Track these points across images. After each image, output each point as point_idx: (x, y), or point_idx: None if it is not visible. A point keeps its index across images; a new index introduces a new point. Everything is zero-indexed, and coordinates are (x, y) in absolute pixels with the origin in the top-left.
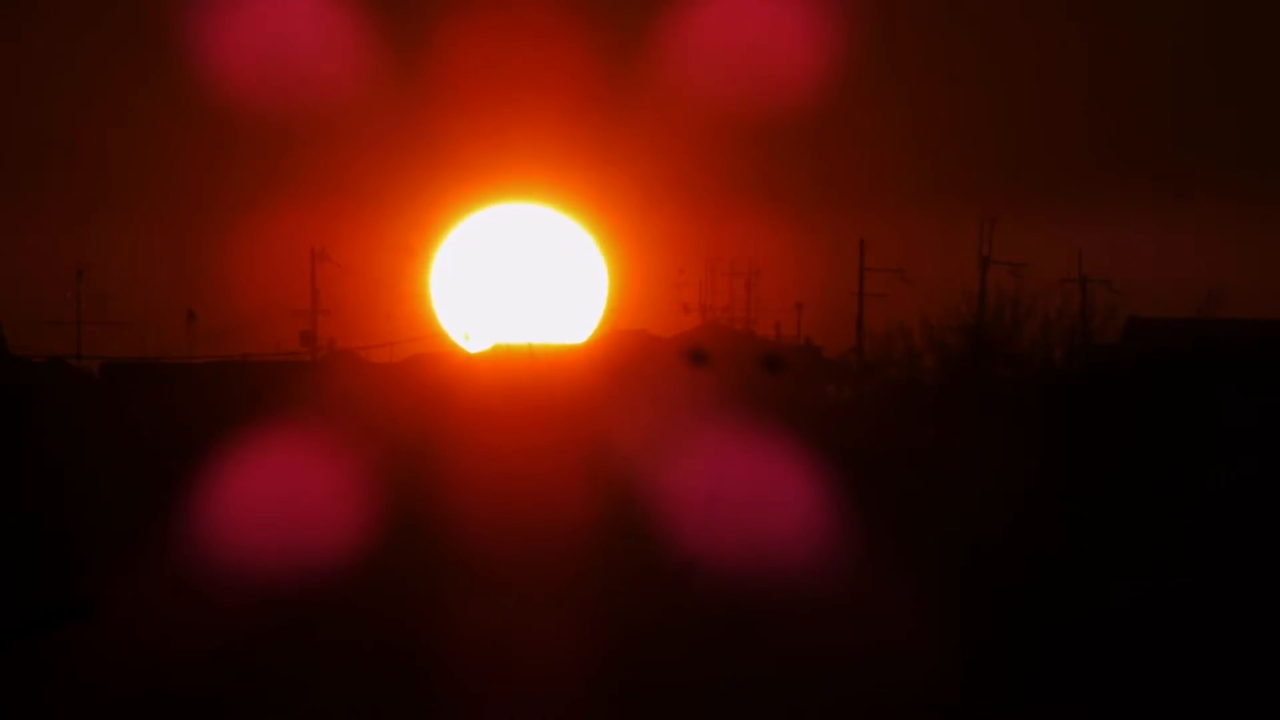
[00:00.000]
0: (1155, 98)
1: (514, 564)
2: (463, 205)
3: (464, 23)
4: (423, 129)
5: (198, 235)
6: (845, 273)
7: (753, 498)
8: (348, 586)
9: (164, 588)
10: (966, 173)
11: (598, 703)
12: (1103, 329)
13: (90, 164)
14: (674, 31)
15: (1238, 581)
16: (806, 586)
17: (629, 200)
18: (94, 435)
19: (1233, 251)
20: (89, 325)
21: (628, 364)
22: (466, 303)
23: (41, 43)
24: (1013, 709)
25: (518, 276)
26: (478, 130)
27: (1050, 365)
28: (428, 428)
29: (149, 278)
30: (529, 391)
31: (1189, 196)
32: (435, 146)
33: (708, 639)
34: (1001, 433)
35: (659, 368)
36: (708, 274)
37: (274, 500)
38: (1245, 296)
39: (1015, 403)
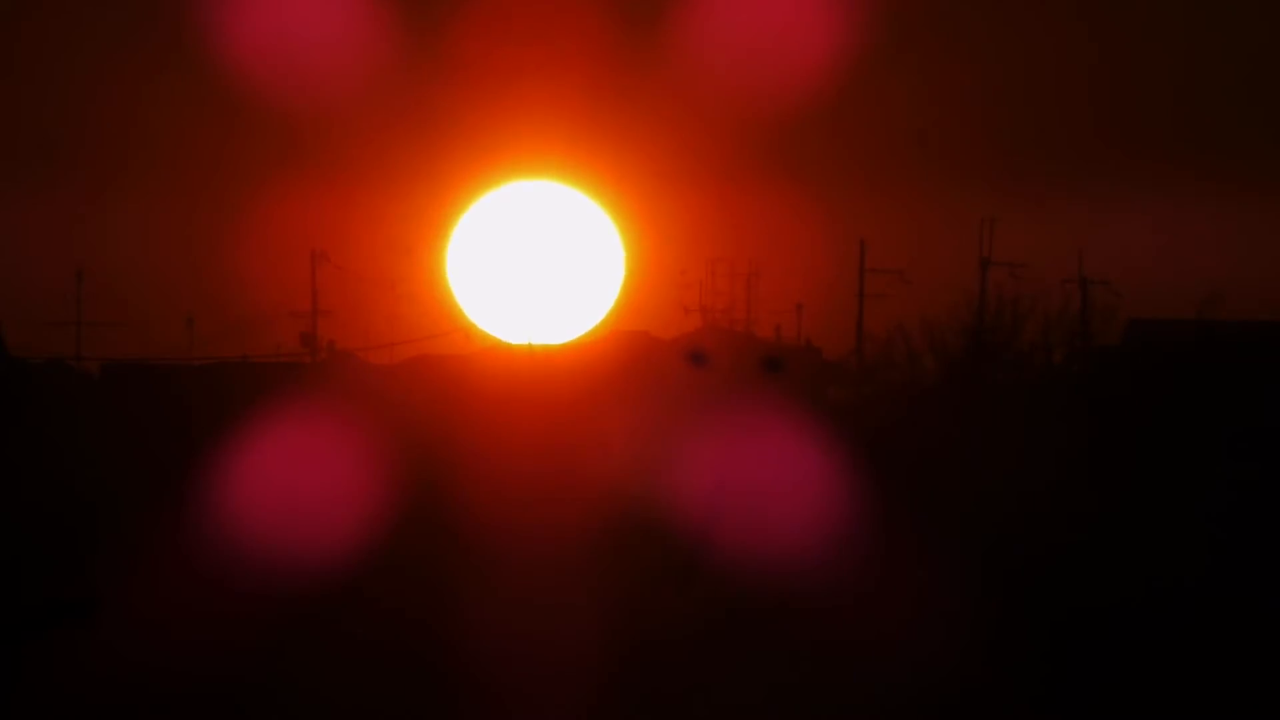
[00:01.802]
0: (1155, 97)
1: (522, 563)
2: (472, 187)
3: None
4: (430, 111)
5: (198, 235)
6: (845, 274)
7: (762, 492)
8: (351, 585)
9: (164, 587)
10: (967, 173)
11: (613, 699)
12: (1103, 330)
13: (90, 164)
14: (679, 26)
15: (1245, 583)
16: (816, 580)
17: (629, 186)
18: (94, 436)
19: (1233, 251)
20: (89, 326)
21: (629, 365)
22: (481, 287)
23: (42, 42)
24: (1020, 706)
25: (532, 258)
26: (486, 111)
27: (1050, 366)
28: (430, 428)
29: (149, 278)
30: (530, 392)
31: (1190, 196)
32: (443, 128)
33: (718, 633)
34: (1008, 433)
35: (660, 369)
36: (708, 275)
37: (275, 500)
38: (1246, 297)
39: (1018, 403)
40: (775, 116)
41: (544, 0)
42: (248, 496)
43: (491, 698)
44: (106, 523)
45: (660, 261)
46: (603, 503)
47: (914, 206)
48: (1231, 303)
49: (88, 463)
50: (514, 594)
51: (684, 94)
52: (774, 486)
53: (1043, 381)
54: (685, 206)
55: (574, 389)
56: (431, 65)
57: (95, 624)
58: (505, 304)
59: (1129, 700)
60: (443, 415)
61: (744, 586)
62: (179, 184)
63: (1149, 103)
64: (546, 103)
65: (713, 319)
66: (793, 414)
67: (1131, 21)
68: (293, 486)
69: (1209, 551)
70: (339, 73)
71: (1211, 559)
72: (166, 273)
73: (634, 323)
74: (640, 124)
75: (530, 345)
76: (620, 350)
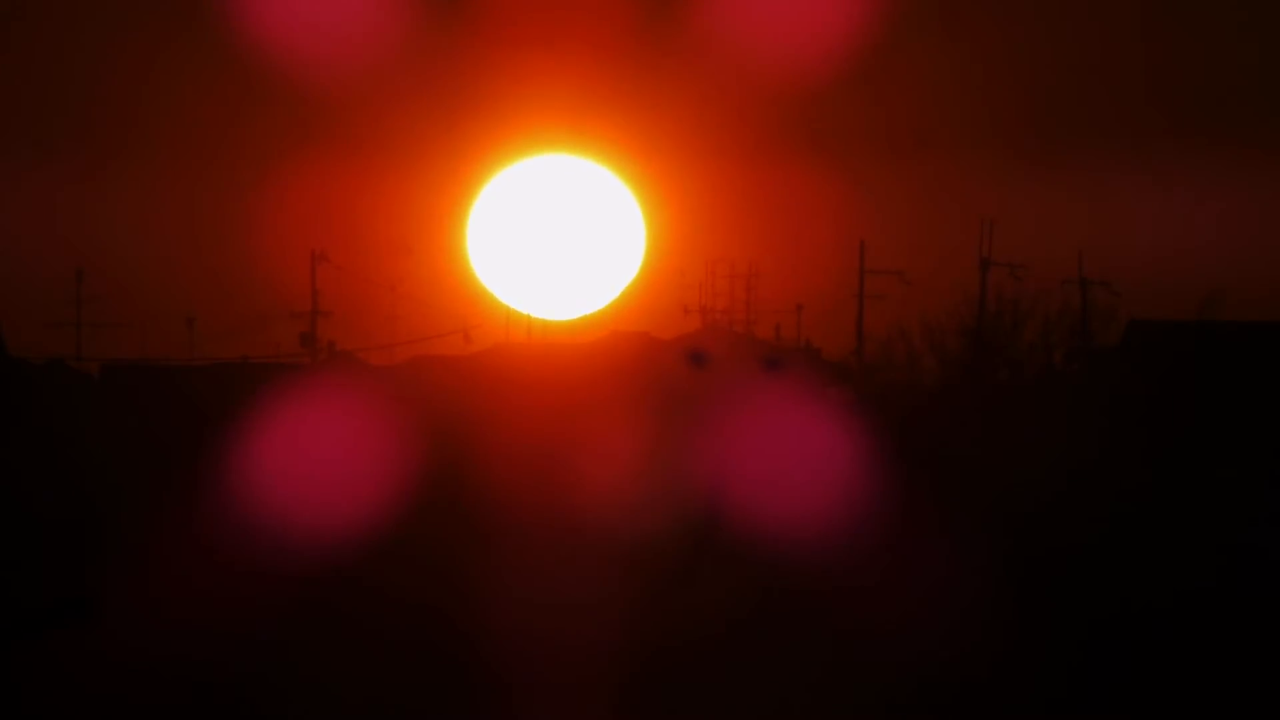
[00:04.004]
0: (1155, 97)
1: (523, 560)
2: (474, 176)
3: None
4: (428, 105)
5: (199, 234)
6: (845, 275)
7: (771, 485)
8: (352, 580)
9: (164, 587)
10: (967, 173)
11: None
12: (1103, 331)
13: (89, 163)
14: (678, 24)
15: (1247, 583)
16: (822, 570)
17: (629, 184)
18: (93, 436)
19: (1233, 251)
20: (89, 327)
21: (629, 365)
22: (498, 261)
23: (42, 38)
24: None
25: (548, 233)
26: (485, 100)
27: (1050, 367)
28: (429, 429)
29: (149, 278)
30: (530, 393)
31: (1190, 196)
32: (441, 123)
33: (721, 626)
34: (1013, 433)
35: (661, 369)
36: (708, 276)
37: (274, 500)
38: (1246, 297)
39: (1020, 404)
40: (773, 117)
41: None
42: (247, 497)
43: (493, 684)
44: (107, 523)
45: (660, 262)
46: (603, 503)
47: (914, 206)
48: (1231, 303)
49: (88, 463)
50: (514, 588)
51: (680, 95)
52: (784, 479)
53: (1043, 382)
54: (685, 208)
55: (574, 390)
56: (427, 59)
57: (94, 624)
58: (523, 278)
59: (1129, 688)
60: (442, 416)
61: (748, 577)
62: (179, 183)
63: (1149, 103)
64: (547, 89)
65: (713, 320)
66: (800, 410)
67: (1132, 22)
68: (292, 486)
69: (1215, 550)
70: (341, 63)
71: (1216, 558)
72: (167, 272)
73: (634, 323)
74: (636, 128)
75: (531, 319)
76: (620, 351)
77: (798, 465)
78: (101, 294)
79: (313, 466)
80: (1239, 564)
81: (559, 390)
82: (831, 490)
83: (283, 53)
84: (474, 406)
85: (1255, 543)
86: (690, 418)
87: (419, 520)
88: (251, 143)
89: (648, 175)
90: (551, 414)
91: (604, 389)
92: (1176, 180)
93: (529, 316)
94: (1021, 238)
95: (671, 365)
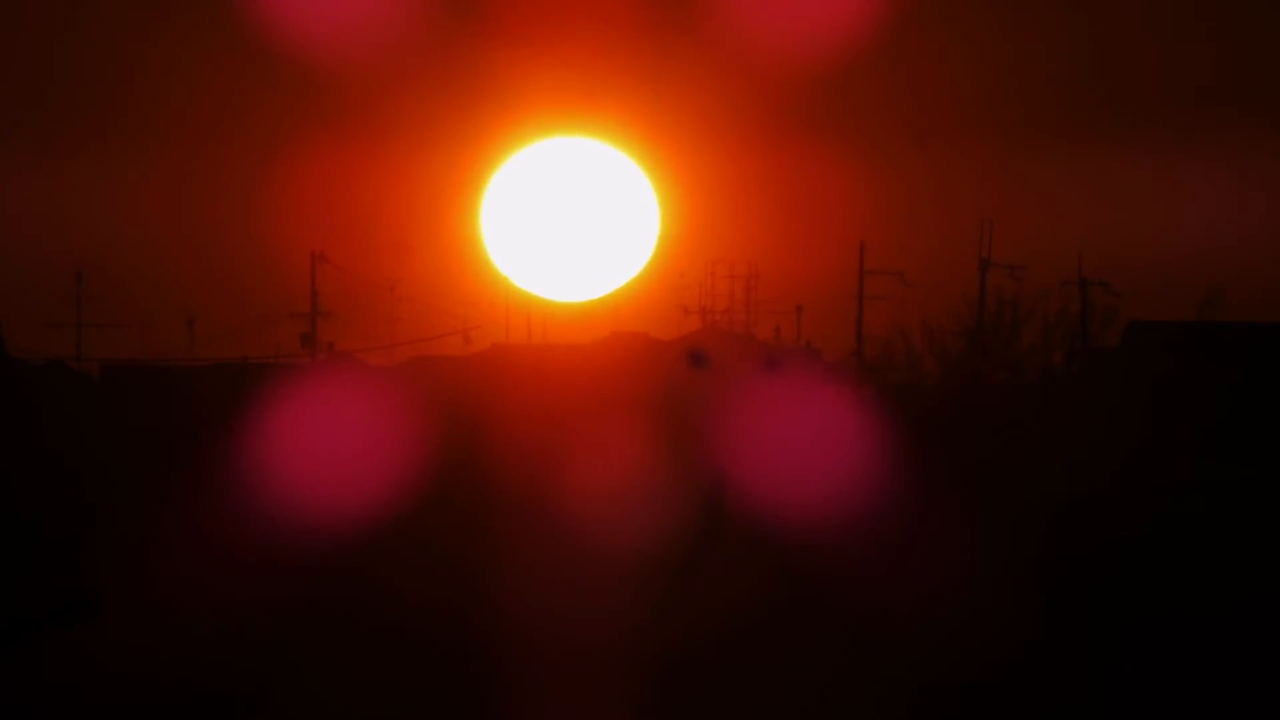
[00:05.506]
0: (1156, 97)
1: (523, 561)
2: (492, 152)
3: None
4: (426, 104)
5: (199, 235)
6: (845, 275)
7: (778, 481)
8: (350, 580)
9: (163, 586)
10: (967, 172)
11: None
12: (1102, 332)
13: (90, 163)
14: (673, 23)
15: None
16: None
17: (629, 183)
18: (93, 437)
19: (1233, 251)
20: (88, 327)
21: (629, 366)
22: (512, 245)
23: (42, 38)
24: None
25: (560, 215)
26: (485, 94)
27: (1050, 368)
28: (429, 429)
29: (149, 278)
30: (530, 394)
31: (1190, 196)
32: (440, 122)
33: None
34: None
35: (661, 370)
36: (708, 277)
37: (273, 500)
38: (1246, 297)
39: (1022, 404)
40: (771, 118)
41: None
42: (247, 497)
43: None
44: (107, 523)
45: (661, 260)
46: (603, 503)
47: (914, 206)
48: (1231, 303)
49: (88, 463)
50: (515, 588)
51: (677, 98)
52: (784, 479)
53: (1043, 382)
54: (684, 208)
55: (574, 390)
56: (434, 48)
57: (94, 624)
58: (531, 258)
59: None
60: (442, 416)
61: (752, 576)
62: (179, 183)
63: (1149, 103)
64: (548, 77)
65: (712, 320)
66: (800, 409)
67: (1131, 23)
68: (291, 487)
69: (1216, 551)
70: (347, 53)
71: (1218, 559)
72: (167, 272)
73: (634, 323)
74: (634, 129)
75: (533, 298)
76: (620, 351)
77: (798, 464)
78: (101, 294)
79: (312, 466)
80: (1239, 565)
81: (559, 390)
82: (832, 489)
83: (285, 47)
84: (474, 407)
85: (1256, 542)
86: (690, 418)
87: (420, 519)
88: (252, 142)
89: (646, 172)
90: (552, 414)
91: (604, 389)
92: (1176, 180)
93: (532, 295)
94: (1021, 238)
95: (671, 365)
